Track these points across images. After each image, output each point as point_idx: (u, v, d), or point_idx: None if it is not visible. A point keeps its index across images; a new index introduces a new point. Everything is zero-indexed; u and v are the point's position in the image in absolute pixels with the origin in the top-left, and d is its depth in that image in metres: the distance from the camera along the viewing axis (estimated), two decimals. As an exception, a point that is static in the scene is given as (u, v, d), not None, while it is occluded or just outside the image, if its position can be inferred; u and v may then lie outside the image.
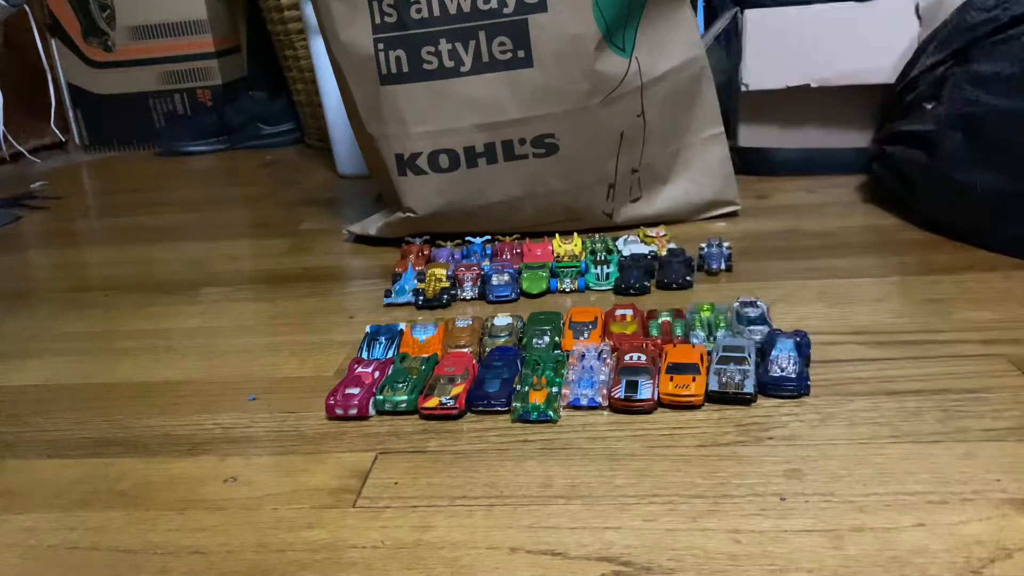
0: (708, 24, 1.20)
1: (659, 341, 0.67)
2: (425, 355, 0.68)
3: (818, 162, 1.17)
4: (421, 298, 0.82)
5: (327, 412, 0.62)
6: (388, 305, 0.83)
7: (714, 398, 0.59)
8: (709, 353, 0.63)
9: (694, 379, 0.59)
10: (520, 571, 0.44)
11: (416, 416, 0.61)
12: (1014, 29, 0.86)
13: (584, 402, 0.60)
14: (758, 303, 0.71)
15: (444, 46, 0.89)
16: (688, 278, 0.81)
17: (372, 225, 1.01)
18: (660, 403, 0.59)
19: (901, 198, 0.97)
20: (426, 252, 0.94)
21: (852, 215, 0.99)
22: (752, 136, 1.20)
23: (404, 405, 0.61)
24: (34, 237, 1.25)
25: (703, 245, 0.87)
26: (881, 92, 1.11)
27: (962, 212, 0.87)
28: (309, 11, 1.28)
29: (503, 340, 0.70)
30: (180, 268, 1.01)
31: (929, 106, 0.92)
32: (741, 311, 0.70)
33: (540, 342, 0.69)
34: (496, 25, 0.88)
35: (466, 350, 0.69)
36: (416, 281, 0.84)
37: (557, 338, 0.70)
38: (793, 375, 0.60)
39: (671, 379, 0.60)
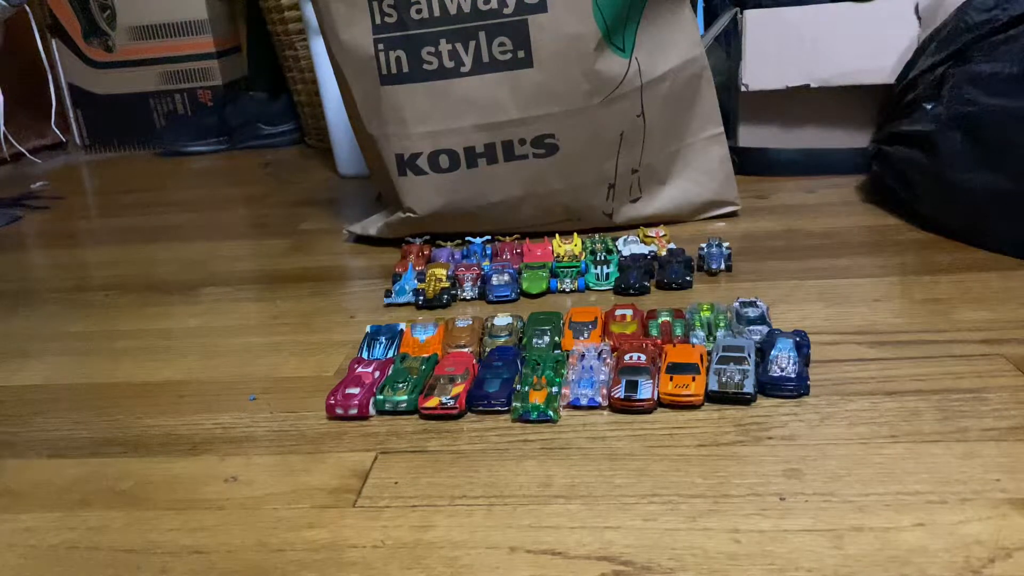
0: (708, 24, 1.20)
1: (659, 341, 0.67)
2: (425, 355, 0.68)
3: (818, 162, 1.17)
4: (421, 298, 0.82)
5: (327, 412, 0.62)
6: (388, 305, 0.83)
7: (714, 398, 0.59)
8: (709, 353, 0.63)
9: (694, 379, 0.59)
10: (520, 571, 0.44)
11: (416, 416, 0.61)
12: (1014, 29, 0.86)
13: (584, 402, 0.60)
14: (758, 303, 0.72)
15: (444, 46, 0.89)
16: (688, 278, 0.81)
17: (372, 225, 1.01)
18: (660, 403, 0.59)
19: (901, 198, 0.97)
20: (426, 252, 0.94)
21: (852, 215, 0.99)
22: (752, 136, 1.20)
23: (404, 405, 0.61)
24: (34, 237, 1.26)
25: (703, 245, 0.87)
26: (881, 92, 1.11)
27: (962, 212, 0.87)
28: (309, 11, 1.28)
29: (503, 340, 0.70)
30: (180, 268, 1.01)
31: (929, 106, 0.92)
32: (741, 311, 0.70)
33: (540, 342, 0.69)
34: (496, 25, 0.88)
35: (466, 350, 0.69)
36: (416, 281, 0.84)
37: (557, 338, 0.70)
38: (793, 375, 0.60)
39: (671, 379, 0.60)
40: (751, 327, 0.67)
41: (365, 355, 0.70)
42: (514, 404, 0.60)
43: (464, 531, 0.48)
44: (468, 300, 0.83)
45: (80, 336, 0.83)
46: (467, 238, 0.96)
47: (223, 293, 0.91)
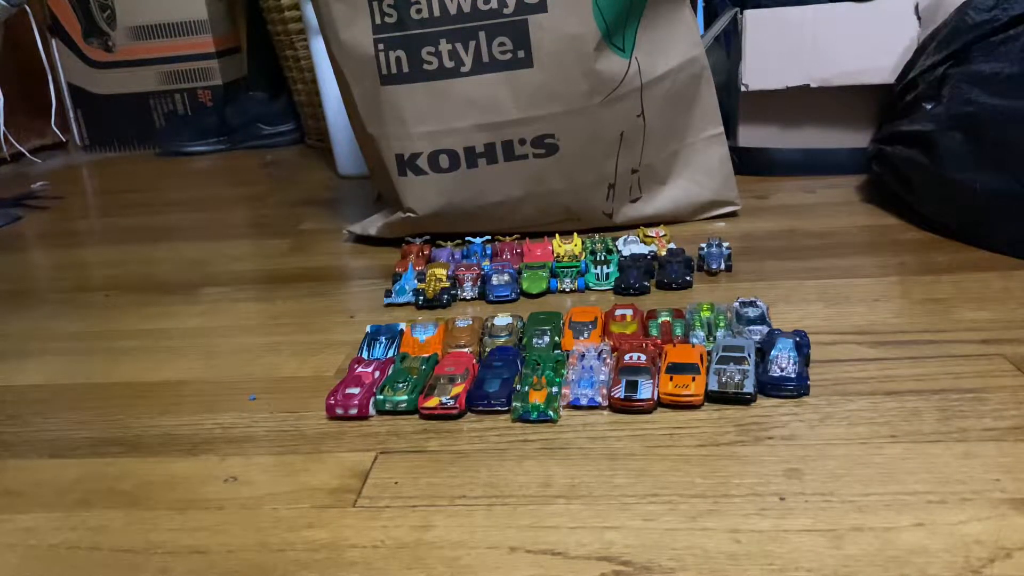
0: (708, 24, 1.20)
1: (659, 341, 0.67)
2: (425, 355, 0.68)
3: (818, 162, 1.17)
4: (421, 298, 0.82)
5: (327, 412, 0.62)
6: (388, 305, 0.83)
7: (714, 398, 0.59)
8: (709, 353, 0.63)
9: (694, 379, 0.59)
10: (520, 571, 0.44)
11: (416, 416, 0.61)
12: (1014, 29, 0.86)
13: (584, 402, 0.60)
14: (758, 303, 0.72)
15: (444, 46, 0.89)
16: (688, 278, 0.81)
17: (372, 225, 1.01)
18: (660, 403, 0.59)
19: (901, 198, 0.97)
20: (426, 252, 0.94)
21: (852, 215, 0.99)
22: (752, 136, 1.20)
23: (404, 405, 0.61)
24: (34, 237, 1.26)
25: (703, 245, 0.87)
26: (881, 92, 1.11)
27: (962, 212, 0.87)
28: (309, 11, 1.28)
29: (503, 340, 0.70)
30: (180, 268, 1.01)
31: (929, 106, 0.92)
32: (741, 311, 0.70)
33: (540, 342, 0.69)
34: (496, 25, 0.88)
35: (466, 350, 0.69)
36: (416, 281, 0.84)
37: (557, 338, 0.70)
38: (793, 375, 0.60)
39: (671, 379, 0.60)
40: (751, 327, 0.67)
41: (365, 355, 0.70)
42: (514, 404, 0.60)
43: (464, 531, 0.48)
44: (468, 300, 0.83)
45: (80, 336, 0.83)
46: (467, 238, 0.96)
47: (223, 293, 0.91)
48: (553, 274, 0.84)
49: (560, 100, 0.89)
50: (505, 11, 0.87)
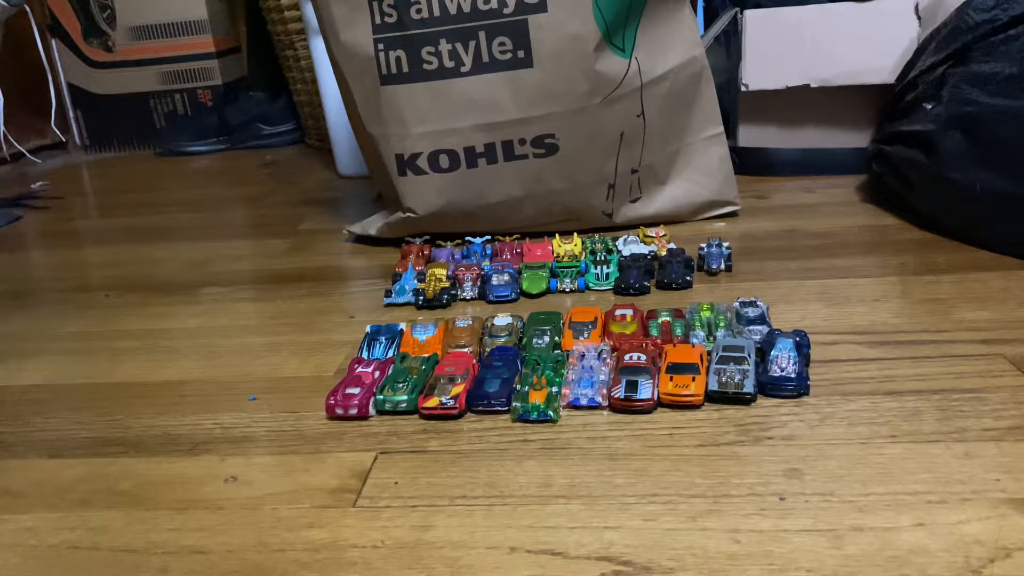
0: (708, 24, 1.20)
1: (659, 341, 0.67)
2: (425, 355, 0.68)
3: (817, 162, 1.17)
4: (421, 298, 0.82)
5: (327, 412, 0.62)
6: (388, 305, 0.83)
7: (714, 398, 0.59)
8: (709, 353, 0.63)
9: (694, 379, 0.59)
10: (520, 571, 0.44)
11: (416, 416, 0.61)
12: (1014, 29, 0.86)
13: (584, 402, 0.60)
14: (758, 303, 0.72)
15: (444, 46, 0.89)
16: (688, 278, 0.81)
17: (372, 225, 1.01)
18: (660, 403, 0.59)
19: (901, 198, 0.97)
20: (426, 252, 0.94)
21: (851, 215, 0.99)
22: (752, 136, 1.20)
23: (404, 405, 0.61)
24: (35, 237, 1.26)
25: (703, 245, 0.87)
26: (881, 92, 1.11)
27: (962, 212, 0.87)
28: (309, 11, 1.28)
29: (503, 340, 0.70)
30: (180, 268, 1.01)
31: (929, 106, 0.92)
32: (741, 311, 0.70)
33: (540, 342, 0.69)
34: (496, 25, 0.88)
35: (466, 350, 0.69)
36: (416, 281, 0.84)
37: (557, 338, 0.70)
38: (793, 375, 0.60)
39: (671, 379, 0.60)
40: (751, 327, 0.67)
41: (365, 355, 0.70)
42: (514, 404, 0.60)
43: (464, 531, 0.48)
44: (468, 300, 0.83)
45: (80, 336, 0.83)
46: (467, 238, 0.96)
47: (223, 293, 0.91)
48: (553, 274, 0.84)
49: (560, 100, 0.89)
50: (505, 11, 0.87)
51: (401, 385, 0.63)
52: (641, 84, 0.92)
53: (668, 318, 0.71)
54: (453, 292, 0.83)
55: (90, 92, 1.88)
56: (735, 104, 1.20)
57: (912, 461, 0.51)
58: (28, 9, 1.44)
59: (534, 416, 0.59)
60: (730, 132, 1.13)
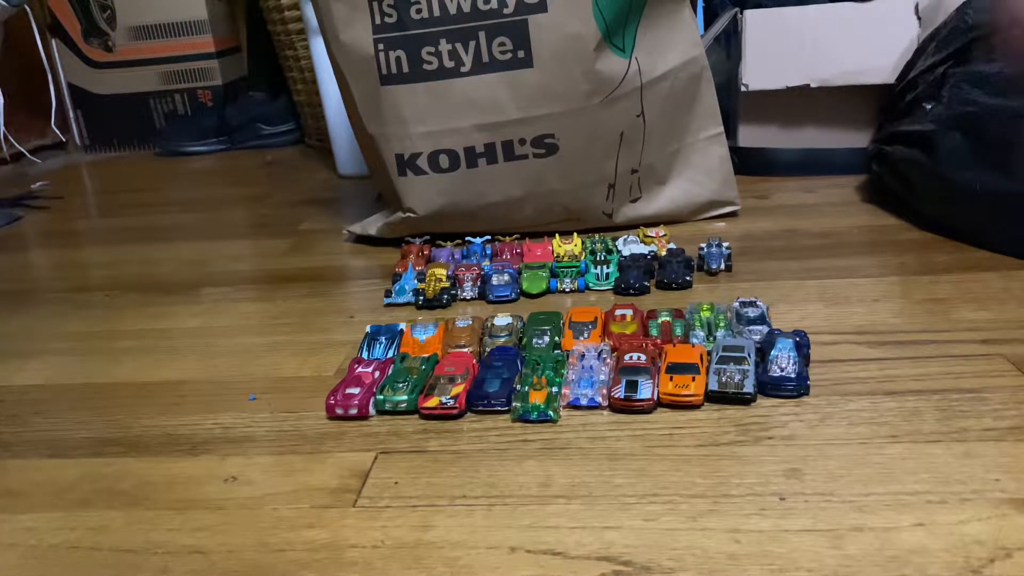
0: (708, 24, 1.20)
1: (659, 341, 0.67)
2: (425, 355, 0.68)
3: (818, 162, 1.17)
4: (421, 298, 0.82)
5: (327, 412, 0.62)
6: (388, 305, 0.83)
7: (714, 398, 0.59)
8: (709, 353, 0.63)
9: (694, 379, 0.59)
10: (520, 571, 0.44)
11: (416, 416, 0.61)
12: (1014, 29, 0.86)
13: (584, 402, 0.60)
14: (758, 303, 0.72)
15: (444, 46, 0.89)
16: (688, 278, 0.81)
17: (372, 225, 1.01)
18: (660, 403, 0.59)
19: (901, 198, 0.97)
20: (426, 252, 0.94)
21: (852, 215, 0.99)
22: (752, 136, 1.20)
23: (404, 405, 0.61)
24: (34, 237, 1.26)
25: (703, 245, 0.87)
26: (881, 92, 1.11)
27: (962, 212, 0.87)
28: (309, 11, 1.28)
29: (503, 340, 0.70)
30: (180, 268, 1.01)
31: (929, 106, 0.92)
32: (741, 311, 0.70)
33: (540, 342, 0.69)
34: (496, 25, 0.88)
35: (466, 350, 0.69)
36: (416, 281, 0.84)
37: (557, 338, 0.70)
38: (793, 375, 0.60)
39: (671, 379, 0.60)
40: (751, 327, 0.67)
41: (365, 355, 0.70)
42: (514, 404, 0.60)
43: (464, 531, 0.48)
44: (468, 300, 0.83)
45: (80, 336, 0.83)
46: (467, 238, 0.96)
47: (223, 293, 0.91)
48: (553, 274, 0.84)
49: (560, 100, 0.89)
50: (505, 11, 0.87)
51: (401, 385, 0.63)
52: (641, 84, 0.92)
53: (668, 318, 0.71)
54: (453, 292, 0.83)
55: (90, 92, 1.89)
56: (735, 104, 1.20)
57: (912, 461, 0.51)
58: (28, 9, 1.44)
59: (534, 416, 0.59)
60: (730, 132, 1.13)
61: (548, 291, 0.83)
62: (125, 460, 0.59)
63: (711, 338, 0.68)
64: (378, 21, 0.89)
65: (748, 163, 1.18)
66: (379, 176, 1.00)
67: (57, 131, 1.77)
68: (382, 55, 0.90)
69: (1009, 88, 0.83)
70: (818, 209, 1.03)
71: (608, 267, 0.84)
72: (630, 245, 0.90)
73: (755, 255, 0.89)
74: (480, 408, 0.61)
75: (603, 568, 0.44)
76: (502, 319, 0.73)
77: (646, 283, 0.81)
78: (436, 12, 0.88)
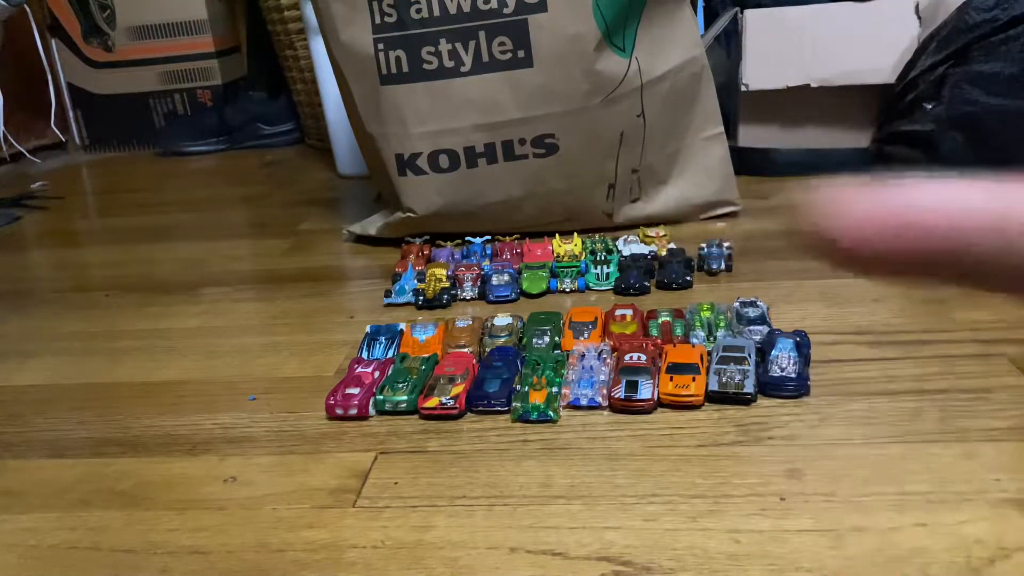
0: (708, 24, 1.20)
1: (659, 341, 0.67)
2: (425, 355, 0.68)
3: (818, 162, 1.17)
4: (421, 298, 0.82)
5: (327, 412, 0.62)
6: (388, 305, 0.83)
7: (714, 398, 0.59)
8: (709, 353, 0.63)
9: (694, 379, 0.59)
10: (520, 571, 0.44)
11: (416, 416, 0.61)
12: (1014, 29, 0.86)
13: (584, 402, 0.60)
14: (758, 303, 0.71)
15: (444, 46, 0.89)
16: (688, 278, 0.81)
17: (372, 225, 1.01)
18: (660, 403, 0.59)
19: (901, 198, 0.97)
20: (426, 252, 0.94)
21: (852, 215, 0.99)
22: (752, 136, 1.20)
23: (404, 405, 0.61)
24: (34, 237, 1.25)
25: (703, 245, 0.87)
26: (881, 92, 1.11)
27: (962, 212, 0.87)
28: (309, 11, 1.27)
29: (503, 340, 0.70)
30: (180, 268, 1.01)
31: (929, 106, 0.92)
32: (741, 311, 0.70)
33: (540, 342, 0.69)
34: (496, 25, 0.88)
35: (466, 350, 0.69)
36: (416, 281, 0.84)
37: (557, 338, 0.70)
38: (793, 375, 0.60)
39: (671, 379, 0.60)
40: (751, 327, 0.67)
41: (365, 355, 0.70)
42: (514, 404, 0.60)
43: (464, 531, 0.48)
44: (468, 300, 0.83)
45: (80, 336, 0.83)
46: (467, 238, 0.96)
47: (223, 293, 0.91)
48: (553, 274, 0.84)
49: (560, 100, 0.89)
50: (505, 11, 0.87)
51: (401, 385, 0.63)
52: (641, 84, 0.92)
53: (668, 318, 0.71)
54: (453, 292, 0.83)
55: (90, 92, 1.88)
56: (735, 104, 1.20)
57: (912, 461, 0.51)
58: (28, 9, 1.44)
59: (534, 416, 0.59)
60: (730, 132, 1.13)
61: (548, 291, 0.83)
62: (125, 460, 0.59)
63: (711, 338, 0.68)
64: (378, 21, 0.89)
65: (748, 163, 1.18)
66: (379, 176, 1.00)
67: (57, 131, 1.77)
68: (382, 55, 0.90)
69: (1009, 88, 0.83)
70: (818, 209, 1.02)
71: (608, 267, 0.84)
72: (630, 245, 0.90)
73: (755, 255, 0.89)
74: (480, 408, 0.61)
75: (603, 568, 0.44)
76: (502, 319, 0.72)
77: (646, 283, 0.81)
78: (436, 12, 0.88)
